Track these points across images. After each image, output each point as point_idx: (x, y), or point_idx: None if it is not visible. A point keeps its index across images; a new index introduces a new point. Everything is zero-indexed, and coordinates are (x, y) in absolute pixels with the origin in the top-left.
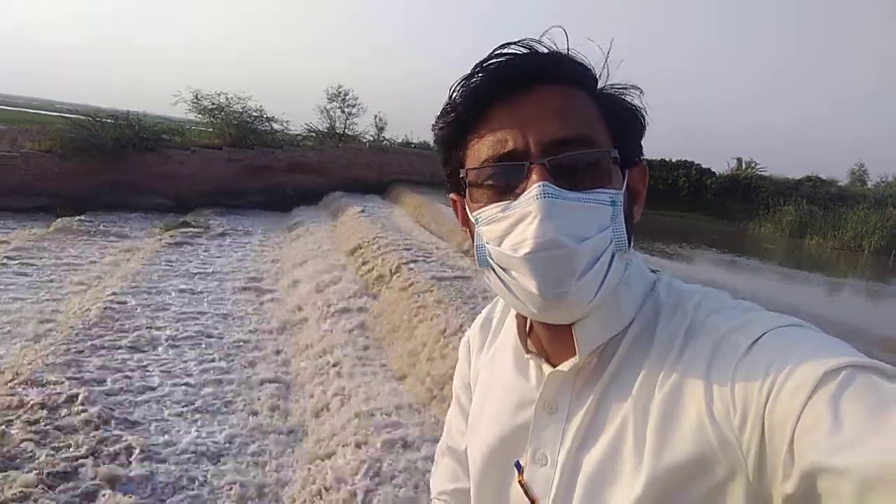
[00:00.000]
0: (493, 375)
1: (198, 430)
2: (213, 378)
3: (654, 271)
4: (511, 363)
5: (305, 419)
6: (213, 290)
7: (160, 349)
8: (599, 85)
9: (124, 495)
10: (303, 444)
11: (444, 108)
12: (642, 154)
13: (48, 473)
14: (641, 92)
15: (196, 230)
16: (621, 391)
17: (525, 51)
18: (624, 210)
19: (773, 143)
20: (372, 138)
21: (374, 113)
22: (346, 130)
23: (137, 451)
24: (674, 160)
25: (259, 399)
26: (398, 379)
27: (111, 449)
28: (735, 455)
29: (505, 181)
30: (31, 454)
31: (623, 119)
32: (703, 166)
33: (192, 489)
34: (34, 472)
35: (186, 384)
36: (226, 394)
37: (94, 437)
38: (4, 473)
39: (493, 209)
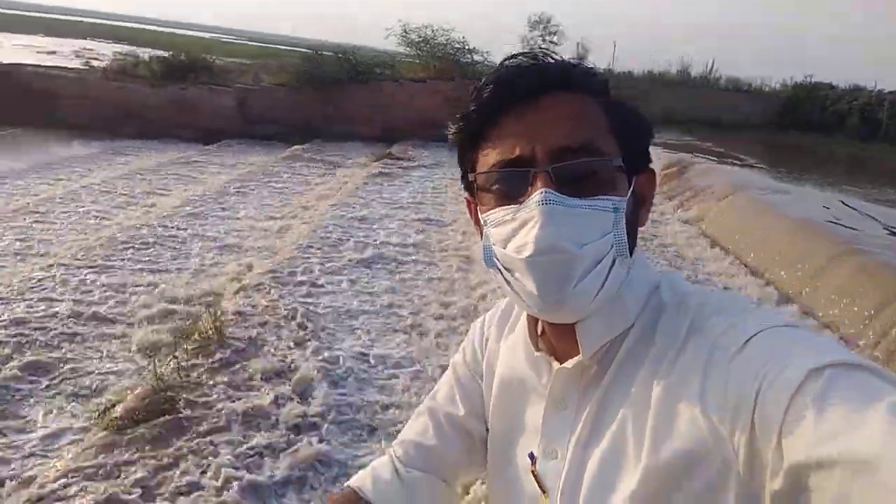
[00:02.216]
0: (507, 370)
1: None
2: (399, 291)
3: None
4: (524, 360)
5: None
6: (409, 217)
7: (361, 267)
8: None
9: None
10: None
11: (457, 116)
12: (650, 161)
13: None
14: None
15: (399, 161)
16: (623, 389)
17: (534, 62)
18: (629, 215)
19: None
20: None
21: (577, 40)
22: None
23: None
24: None
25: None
26: None
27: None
28: (727, 451)
29: (511, 186)
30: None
31: (631, 126)
32: None
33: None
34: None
35: (385, 301)
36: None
37: (305, 329)
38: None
39: (499, 212)
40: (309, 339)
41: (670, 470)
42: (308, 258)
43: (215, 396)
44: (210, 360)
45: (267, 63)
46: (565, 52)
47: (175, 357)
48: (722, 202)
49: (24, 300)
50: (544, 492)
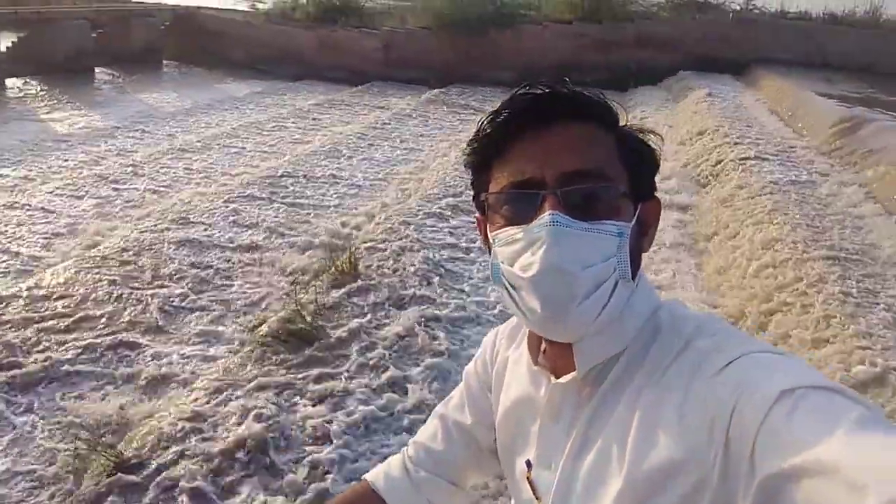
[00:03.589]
0: (512, 382)
1: None
2: None
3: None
4: (526, 373)
5: None
6: None
7: None
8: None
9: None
10: None
11: (472, 137)
12: (656, 190)
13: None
14: (661, 137)
15: None
16: (613, 405)
17: (548, 90)
18: (632, 242)
19: None
20: (739, 7)
21: None
22: None
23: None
24: None
25: None
26: (709, 290)
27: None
28: (703, 467)
29: (520, 208)
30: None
31: (638, 156)
32: None
33: None
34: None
35: None
36: None
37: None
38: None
39: (509, 231)
40: (434, 281)
41: (649, 481)
42: (440, 203)
43: (346, 325)
44: (344, 291)
45: (414, 5)
46: None
47: (314, 286)
48: None
49: (190, 224)
50: (538, 498)
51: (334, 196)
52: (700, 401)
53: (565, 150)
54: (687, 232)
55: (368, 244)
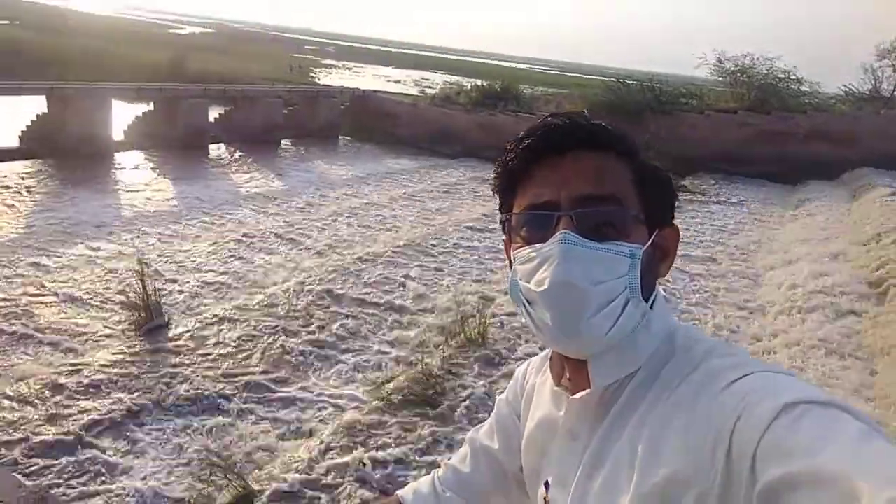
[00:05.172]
0: (538, 405)
1: None
2: None
3: None
4: (549, 394)
5: None
6: (689, 259)
7: None
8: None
9: None
10: None
11: (498, 163)
12: (673, 216)
13: None
14: (671, 175)
15: (692, 194)
16: (625, 424)
17: (568, 121)
18: (646, 264)
19: None
20: None
21: None
22: None
23: None
24: None
25: None
26: (881, 405)
27: None
28: (706, 479)
29: (538, 228)
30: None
31: (654, 184)
32: None
33: None
34: None
35: None
36: None
37: None
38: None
39: (526, 250)
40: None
41: (655, 498)
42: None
43: (468, 392)
44: (470, 359)
45: (571, 93)
46: None
47: (442, 351)
48: None
49: (338, 281)
50: None
51: (471, 265)
52: (705, 416)
53: (581, 175)
54: (858, 340)
55: (498, 314)
